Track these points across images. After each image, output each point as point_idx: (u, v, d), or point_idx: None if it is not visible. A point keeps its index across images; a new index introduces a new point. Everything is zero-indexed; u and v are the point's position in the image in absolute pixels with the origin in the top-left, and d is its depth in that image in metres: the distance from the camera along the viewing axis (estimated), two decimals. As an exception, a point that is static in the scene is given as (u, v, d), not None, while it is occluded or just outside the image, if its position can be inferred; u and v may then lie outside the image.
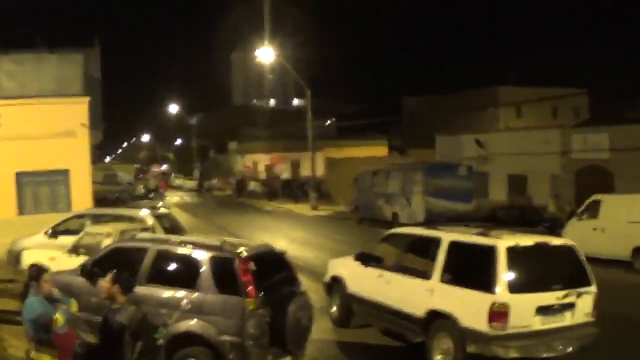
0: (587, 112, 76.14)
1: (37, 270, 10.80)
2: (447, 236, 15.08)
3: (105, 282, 10.09)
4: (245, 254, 13.23)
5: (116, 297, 10.01)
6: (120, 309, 9.89)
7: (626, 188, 34.69)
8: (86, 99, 34.54)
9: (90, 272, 13.85)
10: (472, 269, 14.33)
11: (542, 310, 13.47)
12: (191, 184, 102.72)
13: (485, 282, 13.42)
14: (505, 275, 13.29)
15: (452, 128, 63.20)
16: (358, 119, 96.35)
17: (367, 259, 17.68)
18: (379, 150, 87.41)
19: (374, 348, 17.08)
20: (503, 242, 13.72)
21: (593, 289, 14.21)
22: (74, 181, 33.88)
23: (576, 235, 19.11)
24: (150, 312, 12.51)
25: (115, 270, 10.38)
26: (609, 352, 15.50)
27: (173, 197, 79.02)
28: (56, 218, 26.64)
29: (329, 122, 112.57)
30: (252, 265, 12.87)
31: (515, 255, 13.55)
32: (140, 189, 73.19)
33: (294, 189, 75.92)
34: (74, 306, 10.73)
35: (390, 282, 16.30)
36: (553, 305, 13.60)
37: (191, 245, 13.81)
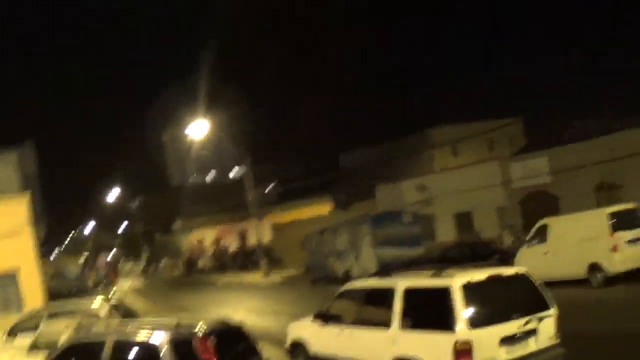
0: (524, 140, 76.84)
1: None
2: (401, 283, 15.03)
3: None
4: (202, 331, 13.08)
5: None
6: None
7: (572, 207, 35.07)
8: (26, 196, 34.26)
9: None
10: (430, 311, 14.26)
11: (506, 341, 13.44)
12: (140, 268, 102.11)
13: (445, 322, 13.38)
14: (463, 312, 13.27)
15: (391, 176, 63.47)
16: (299, 181, 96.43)
17: (325, 317, 17.56)
18: (323, 208, 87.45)
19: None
20: (457, 281, 13.71)
21: (552, 312, 14.25)
22: (24, 280, 33.42)
23: (528, 262, 19.24)
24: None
25: None
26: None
27: (125, 284, 78.39)
28: (9, 320, 26.23)
29: (270, 187, 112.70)
30: (210, 342, 12.73)
31: (471, 291, 13.53)
32: (90, 281, 72.47)
33: (243, 259, 75.76)
34: None
35: (351, 337, 16.19)
36: (515, 334, 13.59)
37: (149, 329, 13.61)
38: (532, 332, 13.86)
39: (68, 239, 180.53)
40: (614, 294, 26.29)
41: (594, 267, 27.66)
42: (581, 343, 16.24)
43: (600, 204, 36.70)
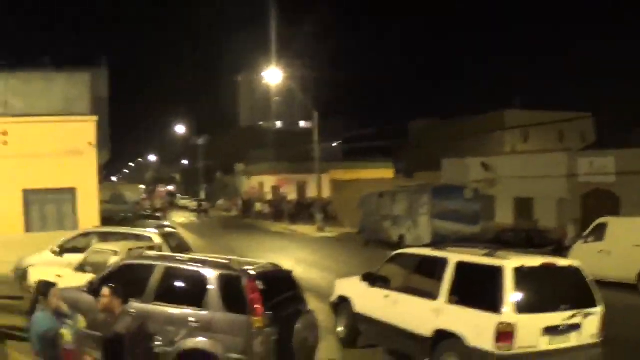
0: (593, 136, 75.97)
1: (46, 285, 10.69)
2: (454, 257, 15.09)
3: (103, 295, 10.15)
4: (252, 272, 13.27)
5: (114, 309, 10.08)
6: (118, 320, 9.98)
7: (632, 212, 34.71)
8: (94, 118, 34.58)
9: (97, 289, 13.85)
10: (478, 289, 14.30)
11: (549, 331, 13.43)
12: (197, 204, 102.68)
13: (492, 303, 13.40)
14: (511, 295, 13.28)
15: (458, 152, 63.10)
16: (365, 142, 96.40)
17: (374, 279, 17.69)
18: (384, 173, 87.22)
19: (380, 368, 17.09)
20: (510, 263, 13.72)
21: (599, 310, 14.18)
22: (81, 200, 33.84)
23: (582, 258, 19.08)
24: (159, 329, 12.62)
25: (111, 284, 10.42)
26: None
27: (179, 218, 79.04)
28: (63, 236, 26.66)
29: (335, 144, 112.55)
30: (259, 284, 12.90)
31: (522, 275, 13.53)
32: (147, 209, 73.07)
33: (299, 211, 75.91)
34: (81, 322, 10.72)
35: (397, 303, 16.30)
36: (559, 326, 13.56)
37: (199, 263, 13.84)
38: (576, 327, 13.80)
39: (130, 166, 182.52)
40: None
41: (644, 276, 27.48)
42: (619, 347, 16.21)
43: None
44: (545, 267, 14.15)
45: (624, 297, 25.87)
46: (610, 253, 28.30)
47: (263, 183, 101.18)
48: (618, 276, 27.55)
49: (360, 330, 18.11)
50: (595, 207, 41.55)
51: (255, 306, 12.65)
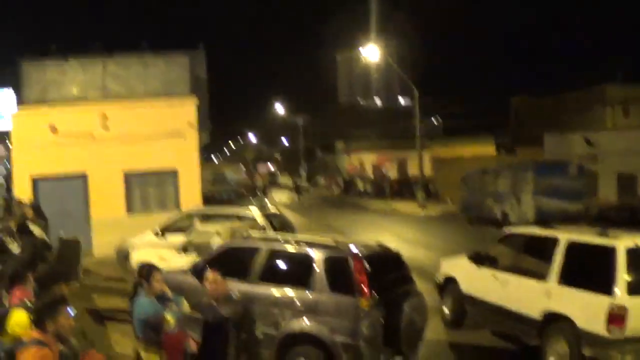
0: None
1: (149, 269, 10.65)
2: (565, 236, 14.74)
3: (208, 280, 10.13)
4: (359, 253, 13.15)
5: (219, 291, 10.07)
6: (222, 303, 10.01)
7: None
8: (193, 99, 34.71)
9: (201, 271, 13.86)
10: (590, 270, 13.96)
11: (660, 315, 13.06)
12: (298, 183, 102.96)
13: (603, 284, 13.05)
14: (624, 276, 12.93)
15: (559, 127, 62.22)
16: (465, 119, 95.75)
17: (481, 259, 17.45)
18: (485, 149, 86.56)
19: (487, 350, 16.93)
20: (623, 243, 13.33)
21: None
22: (183, 181, 34.04)
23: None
24: (263, 312, 12.60)
25: (217, 268, 10.40)
26: None
27: (280, 197, 79.43)
28: (165, 217, 26.95)
29: (435, 121, 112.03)
30: (366, 265, 12.78)
31: (635, 257, 13.14)
32: (249, 189, 73.42)
33: (401, 188, 75.68)
34: (185, 306, 10.71)
35: (505, 283, 16.06)
36: None
37: (305, 245, 13.76)
38: None
39: (229, 146, 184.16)
40: None
41: None
42: None
43: None
44: (659, 249, 13.65)
45: None
46: None
47: (363, 161, 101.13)
48: None
49: (467, 311, 17.91)
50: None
51: (362, 287, 12.52)
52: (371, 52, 64.71)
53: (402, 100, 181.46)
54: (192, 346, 10.28)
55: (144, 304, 10.09)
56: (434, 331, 16.61)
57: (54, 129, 31.02)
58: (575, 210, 40.20)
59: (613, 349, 12.80)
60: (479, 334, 17.78)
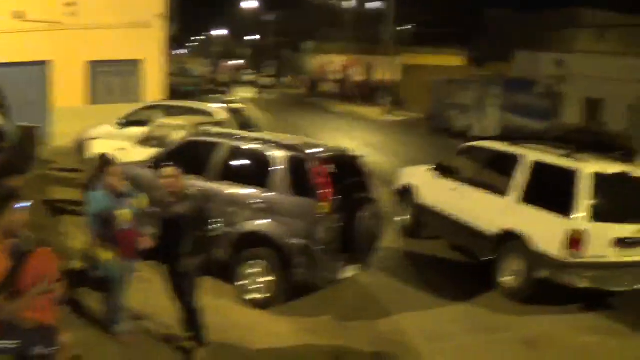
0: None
1: (106, 162, 10.30)
2: (530, 154, 14.61)
3: (165, 174, 9.88)
4: (321, 155, 12.89)
5: (175, 188, 9.86)
6: (179, 200, 9.81)
7: None
8: (163, -11, 33.98)
9: (161, 165, 13.53)
10: (552, 191, 13.87)
11: (620, 242, 13.05)
12: (264, 80, 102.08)
13: (565, 207, 12.99)
14: (587, 201, 12.86)
15: (532, 45, 61.90)
16: (437, 27, 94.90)
17: (442, 170, 17.35)
18: (455, 60, 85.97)
19: (442, 261, 16.89)
20: (588, 167, 13.24)
21: None
22: (148, 72, 33.40)
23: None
24: (220, 210, 12.36)
25: (174, 163, 10.14)
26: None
27: (245, 93, 78.77)
28: (128, 108, 26.44)
29: (406, 27, 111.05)
30: (327, 168, 12.53)
31: (600, 182, 13.06)
32: (214, 83, 72.63)
33: (366, 93, 75.38)
34: (143, 202, 10.41)
35: (464, 197, 15.97)
36: (630, 238, 13.15)
37: (267, 144, 13.45)
38: None
39: (197, 39, 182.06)
40: None
41: None
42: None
43: None
44: (624, 176, 13.61)
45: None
46: None
47: (331, 62, 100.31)
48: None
49: (424, 221, 17.82)
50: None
51: (322, 191, 12.28)
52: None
53: (375, 4, 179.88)
54: (147, 243, 10.05)
55: (99, 197, 9.79)
56: (390, 239, 16.52)
57: (19, 15, 30.16)
58: (540, 129, 40.23)
59: (569, 272, 12.80)
60: (434, 244, 17.76)
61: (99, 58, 31.88)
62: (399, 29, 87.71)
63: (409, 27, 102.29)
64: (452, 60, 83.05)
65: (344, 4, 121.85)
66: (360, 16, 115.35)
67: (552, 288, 13.36)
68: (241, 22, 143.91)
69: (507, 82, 42.75)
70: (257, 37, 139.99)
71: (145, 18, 32.60)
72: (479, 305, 13.75)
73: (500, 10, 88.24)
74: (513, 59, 58.50)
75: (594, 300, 14.01)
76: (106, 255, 9.58)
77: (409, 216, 18.36)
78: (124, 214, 9.60)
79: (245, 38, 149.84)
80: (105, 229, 9.57)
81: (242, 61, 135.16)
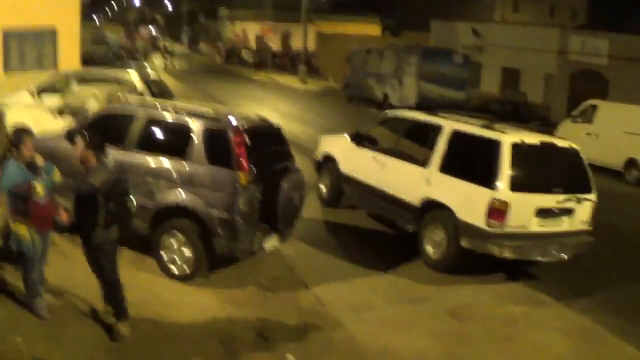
0: (585, 16, 75.29)
1: (19, 134, 9.91)
2: (450, 125, 14.62)
3: (77, 145, 9.60)
4: (240, 125, 12.68)
5: (89, 160, 9.57)
6: (93, 171, 9.51)
7: (620, 96, 34.36)
8: (78, -47, 33.22)
9: (75, 135, 13.19)
10: (473, 161, 13.94)
11: (541, 213, 13.25)
12: (180, 48, 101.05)
13: (486, 177, 13.05)
14: (507, 172, 12.91)
15: (447, 14, 62.28)
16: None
17: (362, 139, 17.22)
18: (371, 29, 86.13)
19: (363, 231, 16.87)
20: (509, 138, 13.29)
21: (593, 197, 13.91)
22: (62, 39, 32.70)
23: (569, 138, 18.61)
24: (138, 182, 12.11)
25: (87, 133, 9.85)
26: (599, 262, 15.41)
27: (163, 61, 77.89)
28: (42, 76, 25.85)
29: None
30: (246, 138, 12.33)
31: (520, 152, 13.15)
32: (129, 52, 71.59)
33: (283, 61, 75.20)
34: (57, 175, 10.10)
35: (385, 166, 15.90)
36: (552, 209, 13.37)
37: (184, 114, 13.19)
38: (569, 212, 13.61)
39: (112, 5, 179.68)
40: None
41: (631, 163, 27.26)
42: (606, 234, 15.99)
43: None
44: (544, 146, 13.78)
45: (608, 183, 25.64)
46: (598, 136, 28.10)
47: (247, 30, 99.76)
48: (605, 161, 27.27)
49: (344, 191, 17.72)
50: (582, 88, 41.50)
51: (241, 161, 12.09)
52: None
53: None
54: (62, 216, 9.78)
55: (12, 171, 9.45)
56: (310, 209, 16.37)
57: None
58: (457, 99, 40.46)
59: (491, 242, 12.89)
60: (355, 214, 17.73)
61: (12, 25, 31.08)
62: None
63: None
64: (368, 29, 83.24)
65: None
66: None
67: (475, 258, 13.42)
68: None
69: (424, 52, 42.84)
70: (172, 3, 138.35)
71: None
72: (403, 276, 13.77)
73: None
74: (429, 29, 58.78)
75: (517, 270, 14.19)
76: (22, 229, 9.30)
77: (328, 186, 18.24)
78: (38, 187, 9.31)
79: (161, 3, 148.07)
80: (20, 202, 9.28)
81: (156, 28, 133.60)
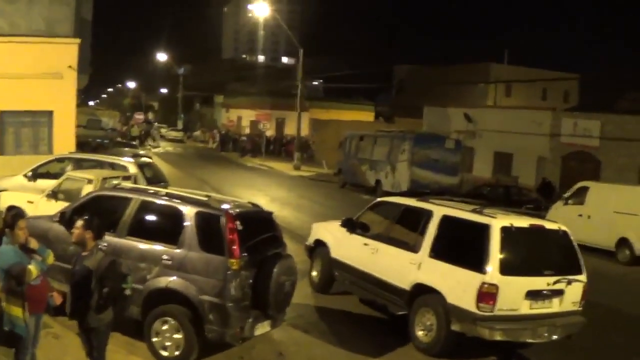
0: (577, 98, 76.15)
1: (13, 217, 10.07)
2: (439, 210, 14.78)
3: (76, 228, 9.71)
4: (232, 211, 12.81)
5: (86, 242, 9.67)
6: (89, 254, 9.61)
7: (612, 177, 34.71)
8: (76, 41, 33.64)
9: (69, 219, 13.30)
10: (463, 246, 14.06)
11: (531, 295, 13.26)
12: (175, 134, 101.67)
13: (476, 261, 13.13)
14: (497, 255, 12.99)
15: (441, 100, 62.94)
16: (347, 83, 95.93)
17: (353, 225, 17.33)
18: (365, 115, 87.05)
19: (355, 317, 16.86)
20: (498, 222, 13.41)
21: (583, 277, 13.95)
22: (58, 124, 33.04)
23: (560, 220, 18.79)
24: (131, 266, 12.17)
25: (86, 216, 9.97)
26: (591, 343, 15.36)
27: (156, 147, 78.35)
28: (37, 160, 26.08)
29: (316, 82, 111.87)
30: (238, 224, 12.45)
31: (509, 236, 13.25)
32: (122, 136, 72.10)
33: (277, 148, 75.69)
34: (50, 258, 10.19)
35: (376, 252, 16.00)
36: (542, 291, 13.38)
37: (177, 199, 13.35)
38: (559, 293, 13.62)
39: (108, 91, 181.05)
40: (636, 274, 25.92)
41: (623, 242, 27.32)
42: (597, 314, 16.04)
43: (642, 182, 36.50)
44: (533, 229, 13.94)
45: (600, 263, 25.75)
46: (590, 217, 28.26)
47: (242, 117, 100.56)
48: (597, 241, 27.47)
49: (336, 277, 17.76)
50: (575, 169, 41.90)
51: (233, 247, 12.20)
52: (260, 8, 64.35)
53: (285, 59, 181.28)
54: (56, 299, 9.85)
55: (7, 252, 9.55)
56: (301, 295, 16.42)
57: None
58: (450, 184, 40.74)
59: (482, 325, 12.88)
60: (346, 300, 17.72)
61: (9, 107, 31.41)
62: (308, 83, 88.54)
63: (318, 82, 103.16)
64: (361, 115, 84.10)
65: (254, 59, 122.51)
66: (271, 71, 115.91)
67: (468, 341, 13.42)
68: (153, 75, 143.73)
69: (417, 137, 43.10)
70: (168, 90, 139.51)
71: (57, 69, 32.29)
72: (394, 360, 13.70)
73: (409, 66, 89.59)
74: (422, 114, 59.31)
75: (510, 353, 14.22)
76: (15, 311, 9.36)
77: (320, 272, 18.29)
78: (32, 270, 9.38)
79: (156, 90, 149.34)
80: (14, 284, 9.35)
81: (152, 114, 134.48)
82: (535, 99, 74.74)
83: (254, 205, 14.66)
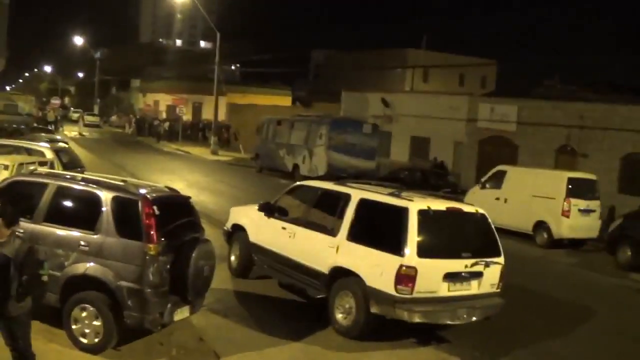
0: (494, 84, 77.09)
1: None
2: (357, 193, 14.81)
3: None
4: (149, 196, 12.69)
5: (1, 230, 9.50)
6: (6, 242, 9.40)
7: (529, 161, 35.22)
8: (-8, 24, 33.17)
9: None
10: (381, 229, 14.13)
11: (450, 277, 13.40)
12: (91, 119, 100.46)
13: (394, 244, 13.20)
14: (415, 238, 13.08)
15: (359, 85, 63.11)
16: (265, 67, 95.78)
17: (271, 209, 17.29)
18: (282, 100, 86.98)
19: (274, 301, 16.83)
20: (415, 205, 13.50)
21: (501, 260, 14.16)
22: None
23: (478, 203, 18.98)
24: (48, 252, 12.00)
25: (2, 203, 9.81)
26: (510, 324, 15.61)
27: (71, 132, 77.42)
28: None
29: (233, 67, 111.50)
30: (155, 209, 12.34)
31: (427, 218, 13.36)
32: (39, 121, 71.12)
33: (194, 132, 75.32)
34: None
35: (294, 236, 15.99)
36: (461, 273, 13.55)
37: (93, 184, 13.17)
38: (478, 275, 13.81)
39: (25, 75, 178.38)
40: (554, 257, 26.49)
41: (540, 225, 27.96)
42: (515, 296, 16.28)
43: (557, 166, 37.16)
44: (450, 212, 14.08)
45: (518, 246, 26.15)
46: (507, 201, 28.72)
47: (159, 101, 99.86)
48: (514, 225, 27.99)
49: (254, 261, 17.72)
50: (492, 154, 42.41)
51: (151, 232, 12.08)
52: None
53: (202, 43, 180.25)
54: None
55: None
56: (220, 279, 16.34)
57: None
58: (367, 168, 40.96)
59: (401, 307, 12.97)
60: (265, 284, 17.69)
61: None
62: (226, 68, 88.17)
63: (236, 67, 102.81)
64: (278, 100, 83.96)
65: (171, 43, 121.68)
66: (188, 55, 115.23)
67: (387, 323, 13.51)
68: (69, 59, 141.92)
69: (334, 122, 43.26)
70: (85, 74, 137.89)
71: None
72: (314, 343, 13.72)
73: (327, 50, 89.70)
74: (340, 99, 59.42)
75: (429, 335, 14.33)
76: None
77: (239, 256, 18.24)
78: None
79: (73, 74, 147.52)
80: None
81: (68, 99, 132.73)
82: (453, 84, 75.55)
83: (171, 189, 14.54)
